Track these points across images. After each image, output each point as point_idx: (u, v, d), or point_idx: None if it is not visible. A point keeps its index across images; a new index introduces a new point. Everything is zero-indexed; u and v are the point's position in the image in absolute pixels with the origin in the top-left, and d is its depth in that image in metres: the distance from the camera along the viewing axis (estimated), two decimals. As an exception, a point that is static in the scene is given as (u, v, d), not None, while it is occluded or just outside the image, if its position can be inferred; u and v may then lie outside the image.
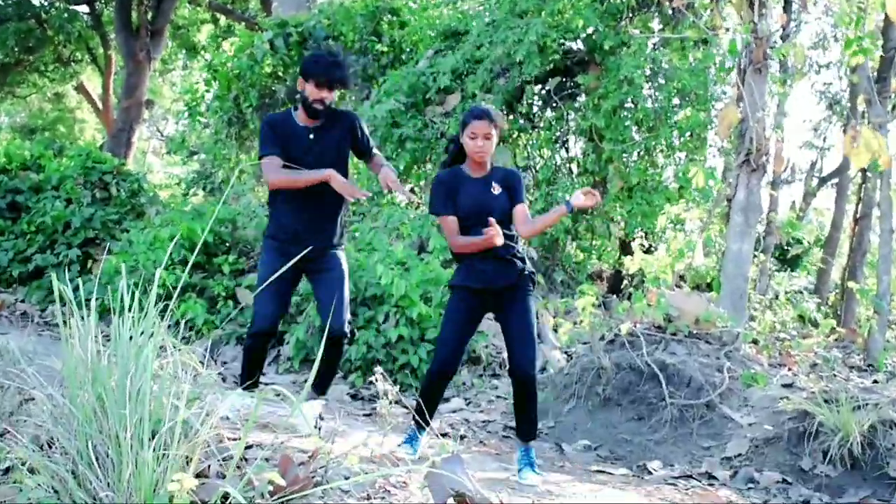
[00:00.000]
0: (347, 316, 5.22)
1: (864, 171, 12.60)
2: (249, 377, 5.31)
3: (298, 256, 4.23)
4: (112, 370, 3.08)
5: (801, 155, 58.53)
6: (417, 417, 4.84)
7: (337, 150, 5.27)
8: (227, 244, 9.58)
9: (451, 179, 5.03)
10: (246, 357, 5.39)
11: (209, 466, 3.23)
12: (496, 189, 4.94)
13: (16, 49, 23.56)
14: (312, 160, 5.16)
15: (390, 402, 3.97)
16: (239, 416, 3.96)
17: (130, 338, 3.14)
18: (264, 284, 4.93)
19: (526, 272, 4.99)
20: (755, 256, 9.77)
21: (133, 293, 3.21)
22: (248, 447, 3.67)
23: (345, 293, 5.23)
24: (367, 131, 5.47)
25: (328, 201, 5.22)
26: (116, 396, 3.00)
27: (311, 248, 5.06)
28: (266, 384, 5.40)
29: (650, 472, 5.64)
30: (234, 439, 3.49)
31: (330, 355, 5.20)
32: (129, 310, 3.17)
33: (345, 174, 5.30)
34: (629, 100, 10.68)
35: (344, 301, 5.20)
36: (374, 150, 5.48)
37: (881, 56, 10.77)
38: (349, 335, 5.23)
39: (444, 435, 4.95)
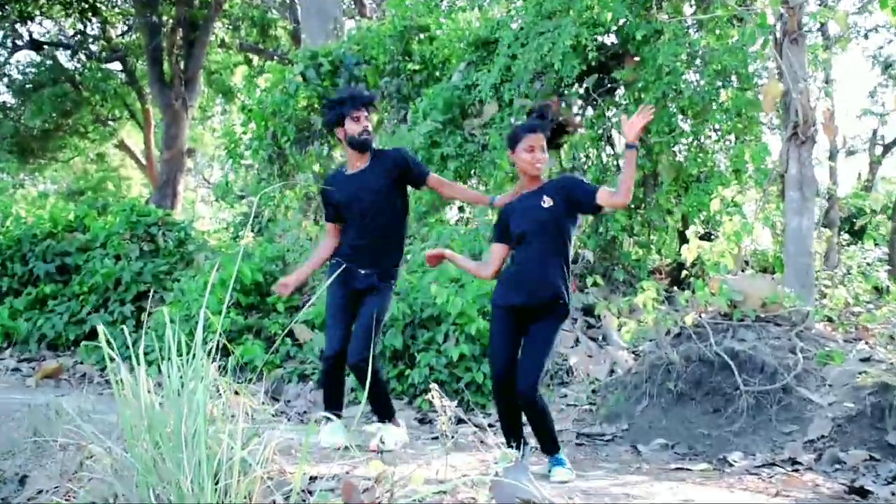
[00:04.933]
0: (365, 349, 5.27)
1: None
2: (328, 404, 5.52)
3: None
4: (166, 417, 3.13)
5: (861, 124, 57.51)
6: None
7: (379, 186, 5.50)
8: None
9: (511, 204, 5.13)
10: (322, 383, 5.64)
11: (273, 502, 3.26)
12: (546, 202, 4.90)
13: (53, 114, 24.12)
14: (354, 198, 5.49)
15: (450, 420, 3.97)
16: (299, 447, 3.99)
17: (182, 384, 3.19)
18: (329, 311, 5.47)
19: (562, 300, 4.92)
20: (818, 231, 9.61)
21: (180, 339, 3.27)
22: (313, 479, 3.70)
23: (369, 327, 5.34)
24: (415, 161, 5.76)
25: (383, 233, 5.52)
26: (173, 442, 3.05)
27: (363, 273, 5.41)
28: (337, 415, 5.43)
29: (731, 465, 5.58)
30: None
31: (362, 382, 5.36)
32: (181, 356, 3.24)
33: (397, 210, 5.59)
34: (671, 88, 10.58)
35: (363, 334, 5.34)
36: (430, 175, 5.74)
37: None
38: (363, 365, 5.25)
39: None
